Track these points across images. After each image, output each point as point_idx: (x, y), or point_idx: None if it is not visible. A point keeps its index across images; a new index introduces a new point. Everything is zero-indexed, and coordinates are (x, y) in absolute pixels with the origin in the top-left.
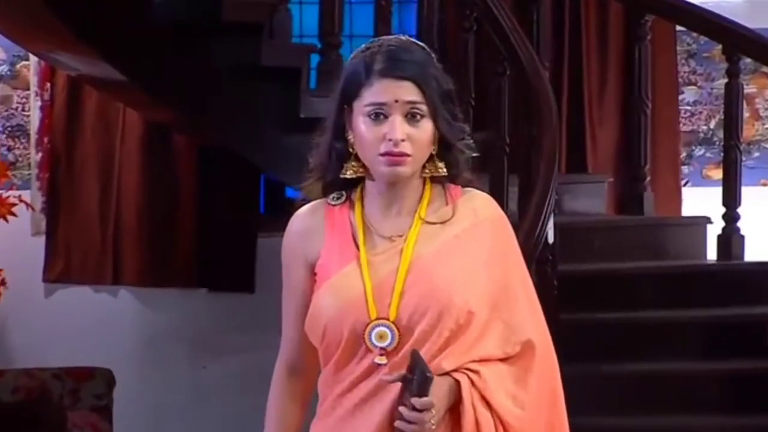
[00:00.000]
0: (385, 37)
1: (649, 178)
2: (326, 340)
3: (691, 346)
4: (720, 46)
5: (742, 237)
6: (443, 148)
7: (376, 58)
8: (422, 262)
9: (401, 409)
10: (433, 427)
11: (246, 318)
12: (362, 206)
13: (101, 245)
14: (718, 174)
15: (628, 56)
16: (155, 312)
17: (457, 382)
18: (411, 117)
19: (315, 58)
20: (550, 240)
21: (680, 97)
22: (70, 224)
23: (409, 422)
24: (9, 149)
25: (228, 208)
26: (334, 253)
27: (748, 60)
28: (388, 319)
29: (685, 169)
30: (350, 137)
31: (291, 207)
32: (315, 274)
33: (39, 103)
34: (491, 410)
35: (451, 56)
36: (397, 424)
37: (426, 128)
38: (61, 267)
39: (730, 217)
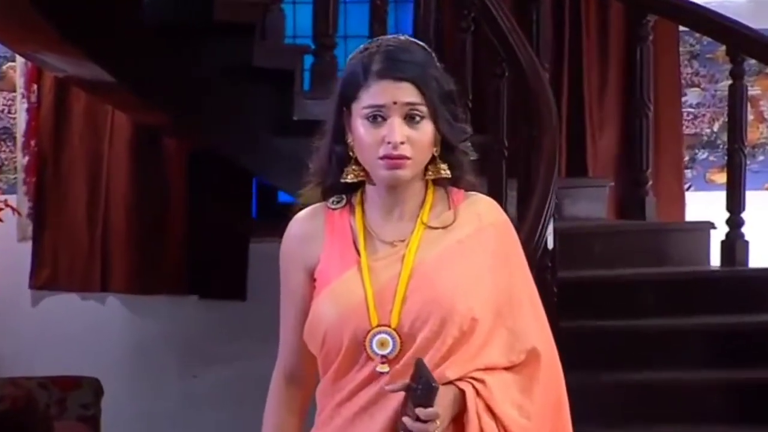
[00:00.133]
0: (384, 37)
1: (651, 183)
2: (326, 348)
3: (694, 355)
4: (724, 47)
5: (747, 243)
6: (445, 149)
7: (374, 59)
8: (424, 267)
9: (405, 419)
10: None
11: (237, 326)
12: (363, 210)
13: (89, 251)
14: (721, 178)
15: (629, 57)
16: (144, 319)
17: (462, 392)
18: (410, 119)
19: (308, 60)
20: (550, 245)
21: (683, 99)
22: (58, 230)
23: None
24: None
25: (219, 212)
26: (334, 258)
27: (753, 61)
28: (389, 326)
29: (688, 173)
30: (350, 140)
31: (287, 211)
32: (314, 279)
33: (25, 105)
34: (496, 420)
35: (448, 57)
36: None
37: (426, 130)
38: (48, 273)
39: (734, 222)
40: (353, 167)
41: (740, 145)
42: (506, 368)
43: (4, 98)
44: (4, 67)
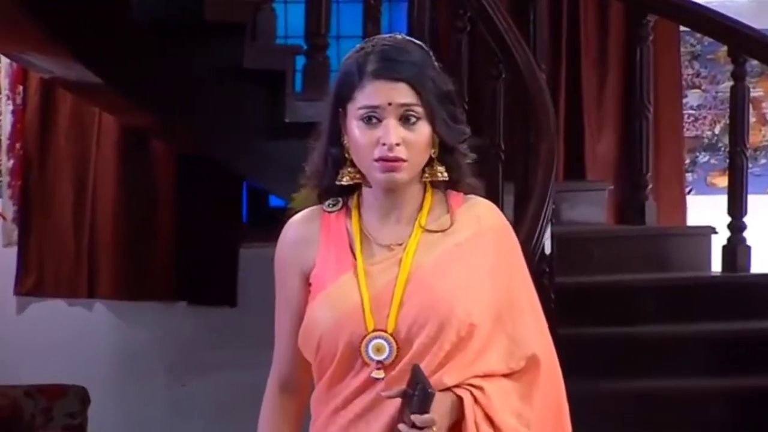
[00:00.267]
0: (380, 36)
1: (650, 186)
2: (320, 354)
3: (695, 362)
4: (725, 48)
5: (748, 248)
6: (443, 151)
7: (369, 59)
8: (422, 272)
9: (401, 426)
10: None
11: (228, 333)
12: (359, 214)
13: (76, 257)
14: (723, 181)
15: (629, 58)
16: (132, 327)
17: (460, 399)
18: (406, 120)
19: (301, 60)
20: (547, 251)
21: (684, 100)
22: (43, 235)
23: None
24: None
25: (209, 217)
26: (330, 262)
27: (755, 62)
28: (385, 331)
29: (688, 176)
30: (345, 142)
31: (279, 216)
32: (309, 284)
33: (11, 107)
34: (495, 429)
35: (444, 58)
36: None
37: (422, 132)
38: (34, 279)
39: (736, 226)
40: (349, 169)
41: (742, 147)
42: (505, 375)
43: None
44: None
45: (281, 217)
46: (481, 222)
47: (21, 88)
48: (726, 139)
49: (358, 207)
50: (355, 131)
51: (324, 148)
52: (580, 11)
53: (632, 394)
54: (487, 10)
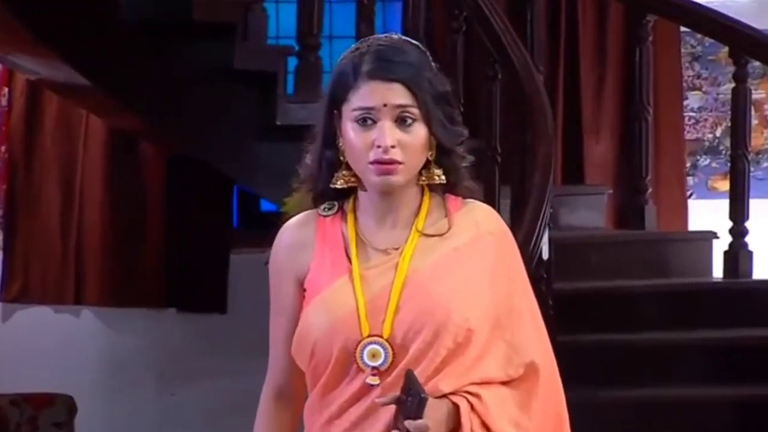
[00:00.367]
0: (376, 36)
1: (650, 190)
2: (315, 360)
3: (696, 370)
4: (726, 49)
5: (750, 253)
6: (441, 153)
7: (364, 59)
8: (419, 276)
9: None
10: None
11: (218, 340)
12: (355, 217)
13: (62, 262)
14: (724, 185)
15: (628, 59)
16: (120, 334)
17: (456, 406)
18: (402, 121)
19: (292, 61)
20: (545, 256)
21: (684, 102)
22: (29, 239)
23: None
24: None
25: (199, 221)
26: (325, 266)
27: (757, 63)
28: (381, 337)
29: (689, 180)
30: (340, 144)
31: (270, 221)
32: (305, 290)
33: None
34: None
35: (439, 59)
36: None
37: (418, 133)
38: (20, 286)
39: (738, 231)
40: (344, 172)
41: (744, 150)
42: (504, 383)
43: None
44: None
45: (273, 221)
46: (480, 226)
47: (6, 89)
48: (727, 142)
49: (354, 211)
50: (350, 133)
51: (318, 151)
52: (578, 11)
53: (632, 403)
54: (483, 10)
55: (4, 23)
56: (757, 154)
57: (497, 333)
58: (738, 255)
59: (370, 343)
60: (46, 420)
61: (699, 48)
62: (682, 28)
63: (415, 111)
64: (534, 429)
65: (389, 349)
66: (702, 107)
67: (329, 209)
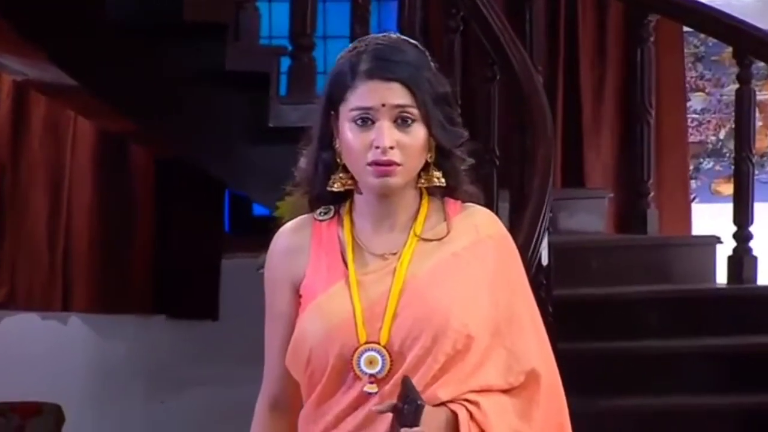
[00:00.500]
0: (374, 35)
1: (652, 194)
2: (310, 368)
3: (699, 379)
4: (730, 49)
5: (755, 258)
6: (440, 155)
7: (362, 58)
8: (417, 282)
9: None
10: None
11: (209, 348)
12: (352, 221)
13: (50, 268)
14: (728, 189)
15: (629, 59)
16: (109, 341)
17: (455, 415)
18: (401, 122)
19: (285, 62)
20: (545, 261)
21: (687, 104)
22: (16, 244)
23: None
24: None
25: (189, 226)
26: (321, 271)
27: (761, 64)
28: (378, 343)
29: (692, 183)
30: (337, 146)
31: (265, 225)
32: (300, 296)
33: None
34: None
35: (436, 59)
36: None
37: (418, 134)
38: (6, 292)
39: (742, 236)
40: (340, 175)
41: (748, 153)
42: (504, 391)
43: None
44: None
45: (265, 225)
46: (480, 231)
47: None
48: (731, 145)
49: (351, 214)
50: (348, 134)
51: (315, 153)
52: (578, 10)
53: (633, 412)
54: (480, 10)
55: None
56: (762, 156)
57: (497, 340)
58: (742, 260)
59: (367, 350)
60: (34, 429)
61: (702, 48)
62: (685, 28)
63: (415, 111)
64: None
65: (387, 356)
66: (705, 109)
67: (325, 214)
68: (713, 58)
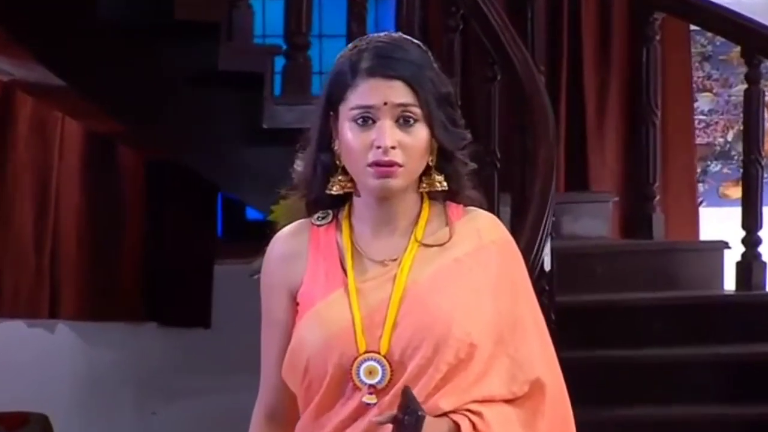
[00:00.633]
0: (375, 34)
1: (658, 197)
2: (308, 378)
3: (706, 388)
4: (738, 48)
5: (764, 264)
6: (442, 158)
7: (363, 56)
8: (418, 289)
9: None
10: None
11: (201, 357)
12: (350, 226)
13: (36, 274)
14: (736, 192)
15: (634, 59)
16: (98, 349)
17: (457, 425)
18: (403, 121)
19: (280, 61)
20: (547, 267)
21: (694, 105)
22: (1, 249)
23: None
24: None
25: (181, 231)
26: (319, 278)
27: None
28: (378, 353)
29: (699, 187)
30: (336, 148)
31: (259, 229)
32: (297, 303)
33: None
34: None
35: (435, 59)
36: None
37: (420, 135)
38: None
39: (751, 241)
40: (339, 177)
41: (757, 156)
42: (507, 401)
43: None
44: None
45: (260, 230)
46: (482, 236)
47: None
48: (739, 147)
49: (349, 219)
50: (348, 134)
51: (313, 155)
52: (581, 8)
53: (637, 422)
54: (481, 7)
55: None
56: None
57: (500, 348)
58: (751, 266)
59: (367, 359)
60: None
61: (709, 47)
62: (692, 27)
63: (417, 111)
64: None
65: (387, 366)
66: (713, 110)
67: (323, 218)
68: (721, 57)
